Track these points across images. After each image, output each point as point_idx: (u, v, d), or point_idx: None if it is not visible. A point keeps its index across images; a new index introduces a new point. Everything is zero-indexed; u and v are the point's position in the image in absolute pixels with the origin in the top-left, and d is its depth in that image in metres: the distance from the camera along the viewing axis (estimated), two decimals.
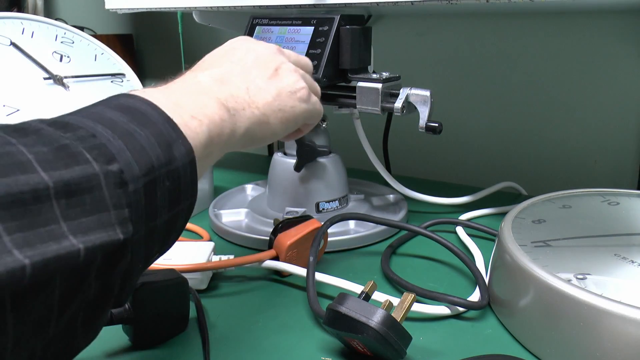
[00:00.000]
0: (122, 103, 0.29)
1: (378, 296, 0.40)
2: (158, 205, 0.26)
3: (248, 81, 0.38)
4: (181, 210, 0.29)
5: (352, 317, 0.34)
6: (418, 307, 0.41)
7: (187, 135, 0.29)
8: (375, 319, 0.33)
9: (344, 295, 0.36)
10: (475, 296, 0.43)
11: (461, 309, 0.41)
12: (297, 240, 0.47)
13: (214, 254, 0.48)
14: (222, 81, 0.37)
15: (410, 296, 0.36)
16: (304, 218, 0.50)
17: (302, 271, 0.45)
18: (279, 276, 0.48)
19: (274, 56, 0.42)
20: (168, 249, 0.30)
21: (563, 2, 0.54)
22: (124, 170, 0.24)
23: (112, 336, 0.39)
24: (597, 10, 0.67)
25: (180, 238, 0.51)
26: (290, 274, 0.47)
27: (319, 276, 0.44)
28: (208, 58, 0.41)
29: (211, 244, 0.48)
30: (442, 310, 0.41)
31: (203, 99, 0.34)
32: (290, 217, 0.50)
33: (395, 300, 0.36)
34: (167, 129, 0.28)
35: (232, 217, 0.61)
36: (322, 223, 0.48)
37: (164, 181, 0.27)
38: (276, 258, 0.47)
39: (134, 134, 0.26)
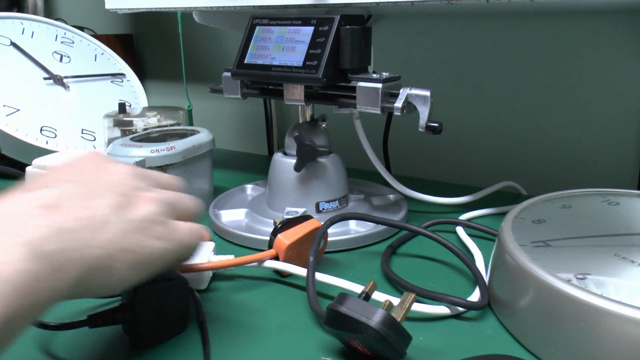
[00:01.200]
0: None
1: (378, 296, 0.40)
2: None
3: (91, 209, 0.30)
4: None
5: (352, 317, 0.34)
6: (418, 307, 0.41)
7: None
8: (375, 318, 0.33)
9: (343, 295, 0.36)
10: (475, 296, 0.43)
11: (461, 309, 0.41)
12: (297, 240, 0.47)
13: (214, 254, 0.48)
14: (52, 207, 0.28)
15: (410, 296, 0.36)
16: (304, 218, 0.50)
17: (302, 271, 0.45)
18: (279, 276, 0.49)
19: (129, 179, 0.34)
20: None
21: (563, 2, 0.54)
22: None
23: (112, 336, 0.39)
24: (597, 10, 0.67)
25: None
26: (290, 274, 0.47)
27: (319, 276, 0.44)
28: (46, 174, 0.33)
29: (211, 244, 0.48)
30: (442, 310, 0.41)
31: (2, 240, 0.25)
32: (290, 217, 0.50)
33: (395, 301, 0.36)
34: None
35: (232, 217, 0.61)
36: (322, 223, 0.48)
37: None
38: (276, 258, 0.47)
39: None
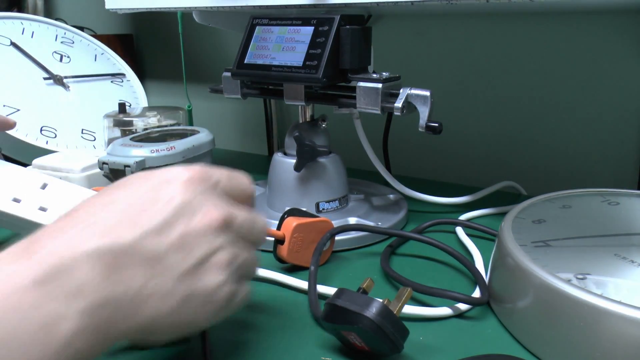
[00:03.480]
0: None
1: (378, 296, 0.40)
2: None
3: (152, 275, 0.27)
4: None
5: (347, 308, 0.34)
6: (419, 309, 0.41)
7: None
8: (371, 309, 0.34)
9: (341, 289, 0.36)
10: (475, 295, 0.43)
11: (462, 308, 0.41)
12: (305, 224, 0.47)
13: None
14: (116, 267, 0.26)
15: (406, 290, 0.36)
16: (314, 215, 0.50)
17: (303, 284, 0.45)
18: (283, 271, 0.48)
19: (210, 232, 0.29)
20: None
21: (563, 2, 0.54)
22: None
23: None
24: (597, 10, 0.67)
25: None
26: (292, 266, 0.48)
27: (320, 288, 0.44)
28: (118, 195, 0.29)
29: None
30: (443, 310, 0.41)
31: (57, 307, 0.23)
32: (303, 209, 0.50)
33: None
34: None
35: None
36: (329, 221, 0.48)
37: None
38: (281, 242, 0.47)
39: None
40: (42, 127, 0.78)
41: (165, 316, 0.27)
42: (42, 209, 0.43)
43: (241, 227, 0.31)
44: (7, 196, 0.43)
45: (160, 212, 0.28)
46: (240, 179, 0.35)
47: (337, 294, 0.36)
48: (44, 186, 0.44)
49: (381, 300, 0.35)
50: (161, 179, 0.30)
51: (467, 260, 0.47)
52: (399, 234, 0.53)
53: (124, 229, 0.27)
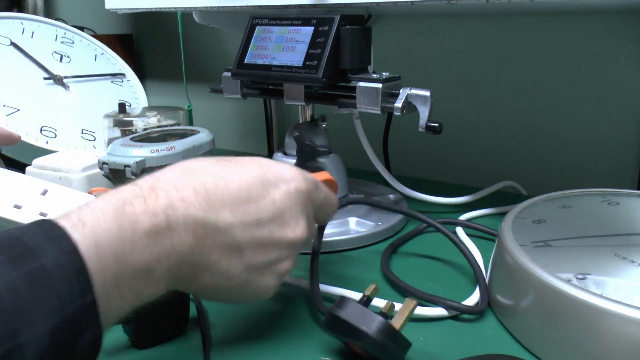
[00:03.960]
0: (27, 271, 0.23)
1: (379, 297, 0.40)
2: None
3: (226, 258, 0.31)
4: None
5: (351, 323, 0.34)
6: (418, 309, 0.41)
7: (104, 319, 0.25)
8: (373, 327, 0.33)
9: (344, 299, 0.35)
10: (475, 297, 0.43)
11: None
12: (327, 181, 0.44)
13: None
14: (204, 238, 0.30)
15: (412, 303, 0.35)
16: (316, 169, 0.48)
17: (305, 283, 0.45)
18: None
19: (289, 245, 0.34)
20: None
21: (563, 2, 0.54)
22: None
23: (112, 336, 0.39)
24: (597, 10, 0.67)
25: None
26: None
27: (321, 287, 0.44)
28: (233, 172, 0.32)
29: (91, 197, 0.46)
30: (443, 311, 0.41)
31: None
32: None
33: (397, 305, 0.36)
34: (74, 318, 0.23)
35: None
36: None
37: None
38: None
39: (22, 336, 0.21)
40: (42, 127, 0.78)
41: (218, 292, 0.32)
42: (43, 215, 0.43)
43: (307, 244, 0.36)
44: (8, 203, 0.43)
45: (260, 210, 0.31)
46: (333, 203, 0.39)
47: (339, 304, 0.35)
48: (44, 192, 0.45)
49: (383, 317, 0.34)
50: (276, 176, 0.33)
51: (472, 257, 0.46)
52: (416, 216, 0.49)
53: (226, 211, 0.30)
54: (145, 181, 0.29)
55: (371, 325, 0.33)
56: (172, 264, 0.28)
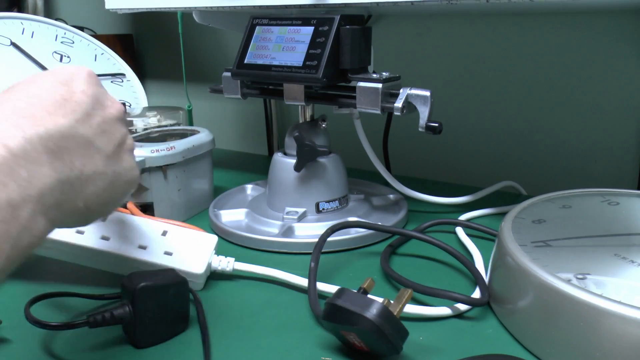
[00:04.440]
0: None
1: (378, 296, 0.40)
2: None
3: (88, 158, 0.29)
4: None
5: (348, 308, 0.34)
6: (419, 309, 0.41)
7: None
8: (371, 310, 0.34)
9: (342, 289, 0.36)
10: (475, 295, 0.43)
11: (462, 309, 0.41)
12: None
13: (215, 252, 0.48)
14: (58, 152, 0.28)
15: (407, 292, 0.36)
16: None
17: (303, 281, 0.45)
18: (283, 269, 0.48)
19: (119, 120, 0.33)
20: None
21: (563, 2, 0.54)
22: None
23: (112, 336, 0.39)
24: (597, 10, 0.67)
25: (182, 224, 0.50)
26: None
27: (320, 286, 0.44)
28: (31, 90, 0.30)
29: (214, 238, 0.48)
30: (443, 310, 0.41)
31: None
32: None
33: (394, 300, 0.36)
34: None
35: (232, 217, 0.61)
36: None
37: None
38: None
39: None
40: None
41: (102, 194, 0.31)
42: (168, 254, 0.46)
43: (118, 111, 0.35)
44: (134, 244, 0.46)
45: (79, 103, 0.30)
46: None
47: (337, 294, 0.36)
48: (164, 233, 0.47)
49: (381, 301, 0.35)
50: (65, 75, 0.32)
51: (467, 260, 0.47)
52: (399, 232, 0.53)
53: (57, 117, 0.28)
54: None
55: (369, 308, 0.34)
56: (39, 192, 0.26)
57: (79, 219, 0.31)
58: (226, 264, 0.47)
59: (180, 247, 0.46)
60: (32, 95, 0.29)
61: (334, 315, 0.35)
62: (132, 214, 0.56)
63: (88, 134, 0.30)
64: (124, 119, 0.34)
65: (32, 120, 0.27)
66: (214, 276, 0.48)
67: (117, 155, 0.32)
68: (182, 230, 0.48)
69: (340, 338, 0.37)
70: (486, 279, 0.45)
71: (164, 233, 0.47)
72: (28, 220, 0.25)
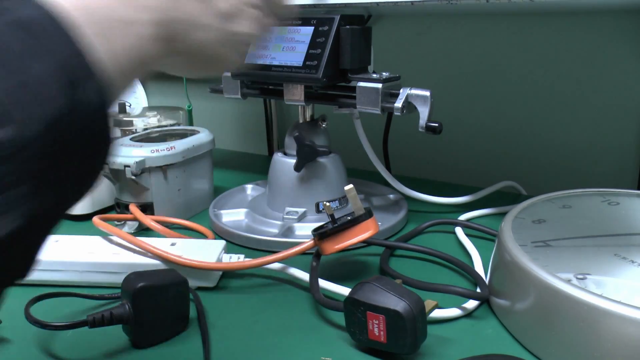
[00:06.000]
0: (19, 18, 0.21)
1: None
2: (62, 168, 0.22)
3: (202, 10, 0.31)
4: (90, 167, 0.26)
5: (391, 292, 0.35)
6: None
7: (102, 68, 0.23)
8: (414, 300, 0.35)
9: (379, 276, 0.37)
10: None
11: (461, 311, 0.41)
12: (344, 248, 0.45)
13: (225, 253, 0.49)
14: None
15: (432, 304, 0.37)
16: (358, 219, 0.45)
17: (304, 275, 0.45)
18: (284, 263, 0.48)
19: None
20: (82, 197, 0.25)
21: (563, 2, 0.54)
22: (16, 136, 0.19)
23: (112, 336, 0.39)
24: (597, 10, 0.67)
25: (188, 236, 0.51)
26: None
27: (323, 283, 0.44)
28: None
29: (222, 242, 0.49)
30: (443, 311, 0.41)
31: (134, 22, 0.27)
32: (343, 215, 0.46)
33: None
34: (74, 62, 0.22)
35: (232, 217, 0.61)
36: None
37: (68, 135, 0.22)
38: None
39: (28, 75, 0.20)
40: None
41: (208, 46, 0.32)
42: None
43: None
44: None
45: None
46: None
47: (375, 279, 0.36)
48: (172, 244, 0.49)
49: (420, 297, 0.35)
50: None
51: (464, 263, 0.47)
52: (388, 245, 0.52)
53: None
54: None
55: (414, 300, 0.35)
56: (153, 19, 0.28)
57: (193, 64, 0.34)
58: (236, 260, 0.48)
59: (190, 252, 0.47)
60: None
61: (369, 294, 0.35)
62: (134, 215, 0.56)
63: None
64: None
65: None
66: (224, 273, 0.48)
67: (233, 17, 0.33)
68: (190, 241, 0.50)
69: (356, 320, 0.36)
70: (486, 279, 0.45)
71: (173, 244, 0.49)
72: (139, 39, 0.27)
